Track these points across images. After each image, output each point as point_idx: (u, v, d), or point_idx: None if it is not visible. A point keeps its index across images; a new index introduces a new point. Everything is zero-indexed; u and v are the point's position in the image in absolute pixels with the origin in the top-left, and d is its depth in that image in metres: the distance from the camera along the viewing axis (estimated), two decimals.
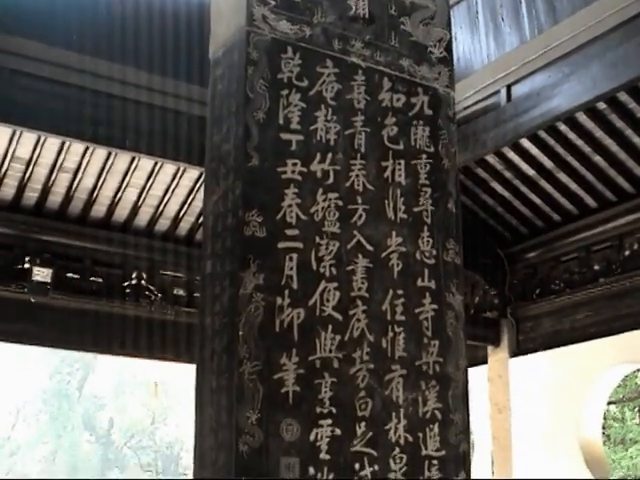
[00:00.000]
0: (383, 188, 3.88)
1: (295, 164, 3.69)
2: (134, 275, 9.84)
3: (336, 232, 3.70)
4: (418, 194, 3.97)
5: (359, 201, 3.80)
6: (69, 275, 9.59)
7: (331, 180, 3.76)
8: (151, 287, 9.87)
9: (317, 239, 3.65)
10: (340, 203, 3.74)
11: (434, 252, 3.92)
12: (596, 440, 10.30)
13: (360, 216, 3.78)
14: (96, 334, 9.86)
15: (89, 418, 40.19)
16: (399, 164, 3.95)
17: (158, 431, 40.86)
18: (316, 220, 3.67)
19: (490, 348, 11.09)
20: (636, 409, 23.82)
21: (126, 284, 9.81)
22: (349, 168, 3.82)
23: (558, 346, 10.29)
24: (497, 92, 8.75)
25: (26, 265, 9.28)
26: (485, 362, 11.06)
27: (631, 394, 22.55)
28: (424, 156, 4.03)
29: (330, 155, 3.78)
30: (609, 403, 16.28)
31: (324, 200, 3.71)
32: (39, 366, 39.61)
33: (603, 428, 10.74)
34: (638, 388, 22.40)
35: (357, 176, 3.82)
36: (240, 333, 3.43)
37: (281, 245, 3.57)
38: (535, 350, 10.64)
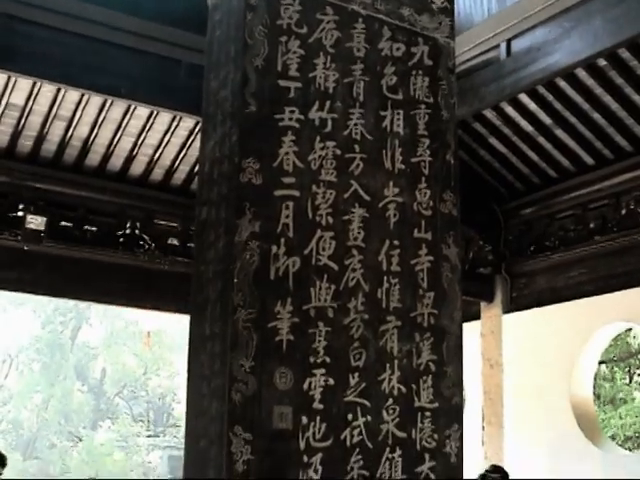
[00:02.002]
0: (381, 138, 3.85)
1: (293, 111, 3.65)
2: (128, 224, 9.81)
3: (333, 181, 3.67)
4: (416, 145, 3.93)
5: (357, 150, 3.76)
6: (63, 223, 9.56)
7: (329, 128, 3.72)
8: (145, 236, 9.84)
9: (314, 188, 3.62)
10: (338, 152, 3.71)
11: (431, 203, 3.89)
12: (587, 398, 10.33)
13: (357, 165, 3.75)
14: (90, 283, 9.84)
15: (82, 368, 40.35)
16: (398, 114, 3.91)
17: (150, 382, 41.02)
18: (313, 168, 3.64)
19: (483, 304, 11.10)
20: (626, 369, 23.93)
21: (120, 233, 9.78)
22: (347, 117, 3.78)
23: (552, 303, 10.29)
24: (497, 46, 8.67)
25: (20, 213, 9.24)
26: (478, 318, 11.07)
27: (622, 354, 22.63)
28: (423, 106, 3.99)
29: (328, 103, 3.74)
30: (600, 363, 16.31)
31: (322, 148, 3.68)
32: (32, 315, 39.72)
33: (593, 387, 10.75)
34: (629, 348, 22.48)
35: (355, 125, 3.79)
36: (235, 281, 3.41)
37: (277, 193, 3.54)
38: (528, 307, 10.65)
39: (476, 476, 8.97)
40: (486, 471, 9.05)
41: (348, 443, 3.52)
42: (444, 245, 3.88)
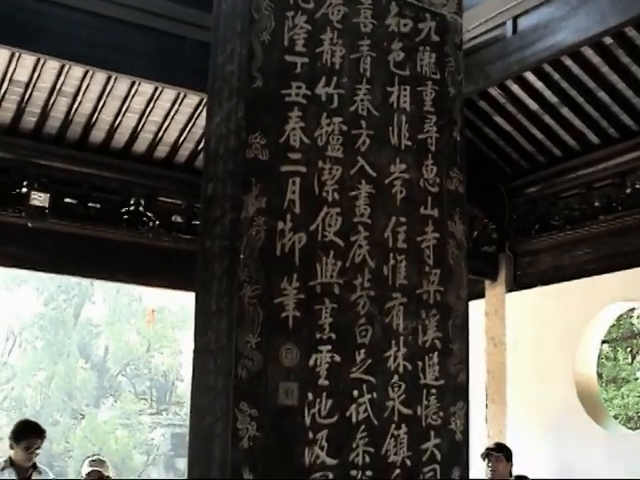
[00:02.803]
0: (388, 114, 3.83)
1: (299, 87, 3.64)
2: (132, 201, 9.78)
3: (339, 157, 3.66)
4: (423, 121, 3.92)
5: (363, 126, 3.75)
6: (67, 200, 9.53)
7: (335, 104, 3.71)
8: (149, 214, 9.81)
9: (320, 163, 3.61)
10: (344, 128, 3.70)
11: (438, 180, 3.88)
12: (591, 377, 10.34)
13: (364, 142, 3.74)
14: (93, 260, 9.83)
15: (85, 345, 40.46)
16: (404, 90, 3.89)
17: (153, 359, 41.14)
18: (320, 144, 3.63)
19: (487, 282, 11.09)
20: (629, 349, 23.97)
21: (124, 210, 9.75)
22: (354, 93, 3.76)
23: (556, 282, 10.27)
24: (503, 24, 8.62)
25: (24, 190, 9.23)
26: (482, 296, 11.07)
27: (624, 334, 22.67)
28: (430, 83, 3.97)
29: (335, 79, 3.73)
30: (602, 342, 16.32)
31: (328, 124, 3.67)
32: (35, 293, 39.79)
33: (596, 367, 10.76)
34: (632, 328, 22.52)
35: (362, 101, 3.77)
36: (241, 257, 3.41)
37: (284, 169, 3.54)
38: (532, 285, 10.64)
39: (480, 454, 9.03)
40: (489, 449, 9.09)
41: (354, 420, 3.53)
42: (450, 222, 3.87)
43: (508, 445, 9.11)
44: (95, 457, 9.25)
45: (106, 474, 8.67)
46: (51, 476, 8.78)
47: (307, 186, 3.57)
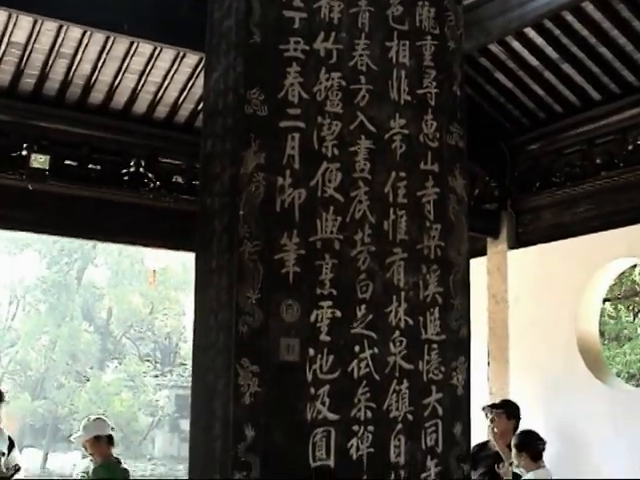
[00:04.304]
0: (387, 69, 3.80)
1: (298, 42, 3.61)
2: (132, 162, 9.74)
3: (339, 112, 3.64)
4: (422, 76, 3.89)
5: (362, 81, 3.72)
6: (67, 162, 9.50)
7: (334, 59, 3.68)
8: (150, 174, 9.78)
9: (319, 119, 3.60)
10: (343, 83, 3.68)
11: (437, 135, 3.85)
12: (593, 334, 10.35)
13: (363, 97, 3.71)
14: (94, 221, 9.81)
15: (88, 308, 40.63)
16: (403, 45, 3.86)
17: (156, 321, 41.31)
18: (318, 100, 3.61)
19: (489, 240, 11.07)
20: (631, 307, 24.04)
21: (124, 171, 9.72)
22: (353, 47, 3.74)
23: (557, 239, 10.25)
24: None
25: (24, 152, 9.19)
26: (484, 254, 11.06)
27: (626, 292, 22.72)
28: (429, 37, 3.94)
29: (334, 34, 3.70)
30: (604, 300, 16.36)
31: (327, 79, 3.64)
32: (38, 256, 39.89)
33: (598, 325, 10.77)
34: (633, 286, 22.56)
35: (361, 56, 3.74)
36: (240, 213, 3.40)
37: (283, 124, 3.52)
38: (534, 242, 10.61)
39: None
40: (491, 404, 9.14)
41: (355, 375, 3.53)
42: (451, 177, 3.85)
43: (514, 402, 9.11)
44: (94, 417, 9.38)
45: (102, 433, 8.75)
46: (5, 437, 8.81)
47: (306, 142, 3.55)
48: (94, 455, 8.84)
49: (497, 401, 9.51)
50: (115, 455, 8.88)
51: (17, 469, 8.83)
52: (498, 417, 8.89)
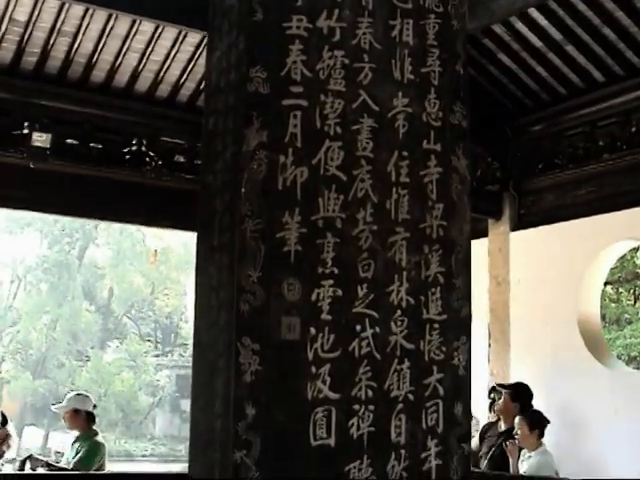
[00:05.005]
0: (390, 47, 3.78)
1: (301, 20, 3.59)
2: (134, 141, 9.72)
3: (341, 91, 3.62)
4: (426, 55, 3.86)
5: (365, 60, 3.70)
6: (69, 141, 9.48)
7: (337, 37, 3.66)
8: (151, 153, 9.76)
9: (322, 97, 3.58)
10: (346, 61, 3.65)
11: (440, 114, 3.83)
12: (594, 316, 10.35)
13: (366, 75, 3.69)
14: (96, 200, 9.82)
15: (89, 288, 40.64)
16: (407, 23, 3.84)
17: (157, 301, 41.33)
18: (321, 78, 3.59)
19: (491, 221, 11.06)
20: (632, 290, 24.05)
21: (126, 150, 9.70)
22: (356, 26, 3.71)
23: (559, 221, 10.24)
24: None
25: (25, 130, 9.17)
26: (486, 235, 11.05)
27: (627, 275, 22.72)
28: (433, 16, 3.91)
29: (337, 11, 3.67)
30: (605, 284, 16.34)
31: (330, 57, 3.62)
32: (39, 235, 39.88)
33: (599, 308, 10.77)
34: (635, 269, 22.56)
35: (364, 34, 3.72)
36: (242, 190, 3.39)
37: (285, 102, 3.50)
38: (536, 224, 10.60)
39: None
40: (498, 384, 9.17)
41: (356, 354, 3.53)
42: (453, 156, 3.84)
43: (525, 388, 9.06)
44: (77, 392, 9.53)
45: (81, 408, 8.86)
46: None
47: (309, 120, 3.53)
48: (72, 428, 9.09)
49: (498, 382, 9.54)
50: (96, 430, 9.06)
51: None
52: (501, 398, 8.91)
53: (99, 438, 8.99)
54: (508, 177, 10.93)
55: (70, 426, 9.07)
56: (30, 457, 8.60)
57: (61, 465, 8.73)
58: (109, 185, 9.74)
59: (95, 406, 9.09)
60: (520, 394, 8.80)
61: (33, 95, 9.33)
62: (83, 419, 8.87)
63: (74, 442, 8.91)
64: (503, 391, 8.93)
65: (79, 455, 8.62)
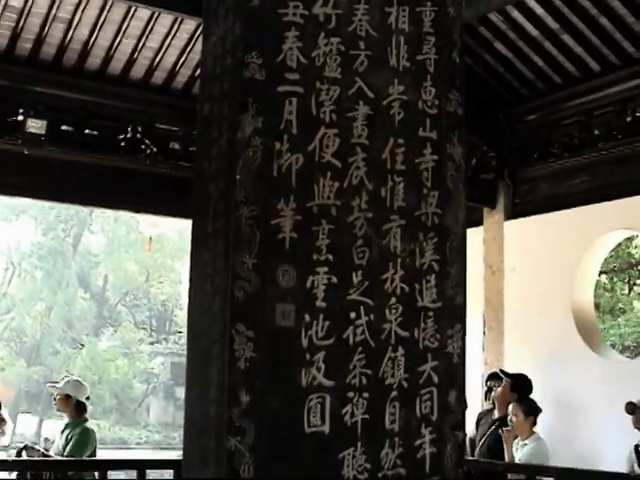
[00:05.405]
0: (386, 35, 3.77)
1: (297, 6, 3.58)
2: (129, 128, 9.68)
3: (337, 77, 3.62)
4: (422, 42, 3.86)
5: (361, 47, 3.70)
6: (64, 127, 9.45)
7: (333, 24, 3.65)
8: (147, 141, 9.73)
9: (318, 84, 3.57)
10: (342, 48, 3.65)
11: (436, 102, 3.83)
12: (588, 305, 10.37)
13: (362, 62, 3.69)
14: (91, 187, 9.78)
15: (84, 275, 40.63)
16: (403, 11, 3.83)
17: (152, 289, 41.32)
18: (317, 64, 3.59)
19: (486, 210, 11.06)
20: (626, 280, 24.08)
21: (121, 137, 9.67)
22: (352, 13, 3.70)
23: (554, 210, 10.24)
24: None
25: (20, 117, 9.15)
26: (480, 224, 11.05)
27: (622, 264, 22.75)
28: (429, 3, 3.90)
29: None
30: (600, 273, 16.36)
31: (326, 44, 3.62)
32: (34, 223, 39.84)
33: (593, 297, 10.79)
34: (629, 258, 22.59)
35: (360, 21, 3.71)
36: (237, 177, 3.39)
37: (281, 89, 3.50)
38: (531, 213, 10.59)
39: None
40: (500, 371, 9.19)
41: (351, 341, 3.53)
42: (449, 144, 3.84)
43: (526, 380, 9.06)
44: (76, 379, 9.53)
45: (74, 395, 8.85)
46: None
47: (304, 107, 3.53)
48: (61, 412, 9.09)
49: (496, 370, 9.55)
50: (86, 417, 9.05)
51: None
52: (500, 385, 8.93)
53: (89, 425, 8.99)
54: (503, 166, 10.92)
55: (59, 409, 9.07)
56: (26, 447, 8.60)
57: (51, 453, 8.72)
58: (104, 172, 9.72)
59: (88, 397, 9.07)
60: (520, 385, 8.82)
61: (28, 82, 9.29)
62: (73, 406, 8.86)
63: (64, 429, 8.89)
64: (505, 379, 8.94)
65: (71, 443, 8.62)
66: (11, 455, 9.94)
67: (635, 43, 9.34)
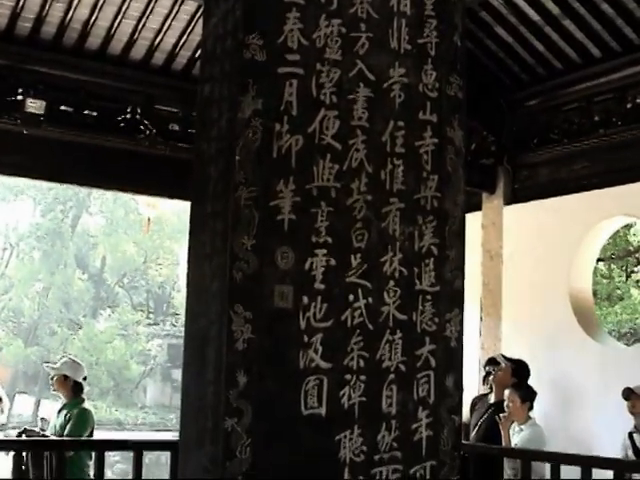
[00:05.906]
0: (388, 17, 3.76)
1: None
2: (129, 109, 9.66)
3: (338, 60, 3.60)
4: (423, 25, 3.84)
5: (363, 29, 3.68)
6: (63, 107, 9.43)
7: (335, 6, 3.63)
8: (146, 122, 9.71)
9: (318, 66, 3.56)
10: (343, 30, 3.63)
11: (437, 85, 3.82)
12: (586, 291, 10.37)
13: (363, 45, 3.67)
14: (90, 168, 9.76)
15: (82, 256, 40.61)
16: None
17: (150, 270, 41.30)
18: (318, 46, 3.57)
19: (485, 195, 11.06)
20: (623, 267, 24.10)
21: (121, 118, 9.65)
22: None
23: (554, 196, 10.24)
24: None
25: (19, 97, 9.13)
26: (479, 209, 11.05)
27: (619, 252, 22.76)
28: None
29: None
30: (598, 260, 16.36)
31: (327, 26, 3.60)
32: (32, 203, 39.79)
33: (591, 283, 10.79)
34: (627, 246, 22.60)
35: (361, 3, 3.69)
36: (237, 158, 3.38)
37: (281, 70, 3.48)
38: (530, 199, 10.59)
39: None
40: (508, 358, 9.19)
41: (349, 324, 3.53)
42: (449, 128, 3.83)
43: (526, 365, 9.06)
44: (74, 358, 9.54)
45: (71, 376, 8.85)
46: None
47: (304, 88, 3.52)
48: (58, 392, 9.07)
49: (494, 355, 9.56)
50: (83, 397, 9.03)
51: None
52: (499, 369, 8.92)
53: (86, 405, 8.99)
54: (503, 151, 10.92)
55: (57, 390, 9.06)
56: (25, 430, 8.60)
57: (47, 433, 8.73)
58: (103, 153, 9.70)
59: (85, 378, 9.06)
60: (520, 371, 8.84)
61: (27, 61, 9.26)
62: (70, 386, 8.86)
63: (60, 410, 8.89)
64: (506, 363, 8.94)
65: (70, 424, 8.62)
66: (8, 436, 9.95)
67: (636, 29, 9.32)
